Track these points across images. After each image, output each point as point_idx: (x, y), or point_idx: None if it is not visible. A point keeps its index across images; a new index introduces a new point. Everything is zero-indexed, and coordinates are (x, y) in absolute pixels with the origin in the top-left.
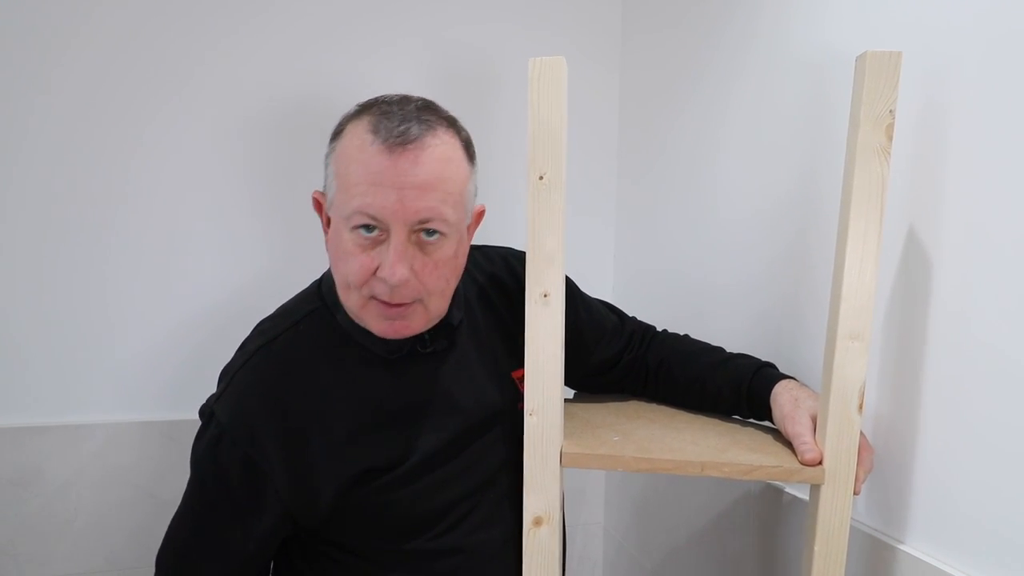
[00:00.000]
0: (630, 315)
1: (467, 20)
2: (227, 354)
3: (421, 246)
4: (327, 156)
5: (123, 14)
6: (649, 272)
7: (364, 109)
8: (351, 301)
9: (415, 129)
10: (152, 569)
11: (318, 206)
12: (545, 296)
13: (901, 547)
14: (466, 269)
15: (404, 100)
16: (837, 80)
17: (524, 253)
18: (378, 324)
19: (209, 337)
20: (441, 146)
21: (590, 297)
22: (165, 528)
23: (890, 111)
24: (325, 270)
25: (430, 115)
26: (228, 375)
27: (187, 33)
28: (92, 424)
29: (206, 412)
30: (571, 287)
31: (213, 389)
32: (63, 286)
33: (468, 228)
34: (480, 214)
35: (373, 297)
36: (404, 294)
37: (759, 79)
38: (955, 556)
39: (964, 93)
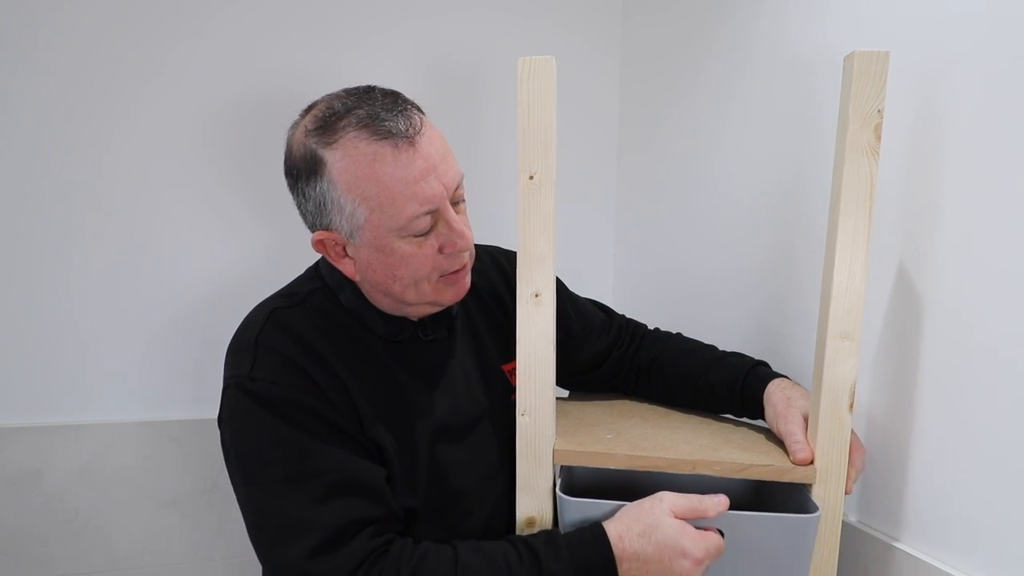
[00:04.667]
0: (619, 313)
1: (465, 15)
2: None
3: (457, 213)
4: (320, 193)
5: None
6: (649, 271)
7: (328, 129)
8: (421, 293)
9: (408, 116)
10: (154, 570)
11: (325, 246)
12: (536, 296)
13: (894, 544)
14: None
15: (365, 96)
16: (830, 79)
17: (513, 252)
18: (447, 294)
19: (210, 337)
20: (428, 121)
21: (577, 295)
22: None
23: (878, 110)
24: (319, 258)
25: (402, 102)
26: (248, 345)
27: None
28: (92, 424)
29: (243, 382)
30: (558, 284)
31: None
32: (63, 286)
33: None
34: None
35: (440, 276)
36: (466, 254)
37: (754, 78)
38: (946, 553)
39: (958, 93)
